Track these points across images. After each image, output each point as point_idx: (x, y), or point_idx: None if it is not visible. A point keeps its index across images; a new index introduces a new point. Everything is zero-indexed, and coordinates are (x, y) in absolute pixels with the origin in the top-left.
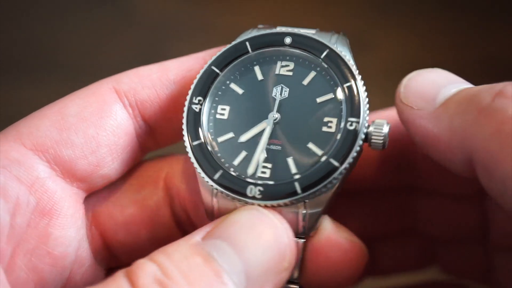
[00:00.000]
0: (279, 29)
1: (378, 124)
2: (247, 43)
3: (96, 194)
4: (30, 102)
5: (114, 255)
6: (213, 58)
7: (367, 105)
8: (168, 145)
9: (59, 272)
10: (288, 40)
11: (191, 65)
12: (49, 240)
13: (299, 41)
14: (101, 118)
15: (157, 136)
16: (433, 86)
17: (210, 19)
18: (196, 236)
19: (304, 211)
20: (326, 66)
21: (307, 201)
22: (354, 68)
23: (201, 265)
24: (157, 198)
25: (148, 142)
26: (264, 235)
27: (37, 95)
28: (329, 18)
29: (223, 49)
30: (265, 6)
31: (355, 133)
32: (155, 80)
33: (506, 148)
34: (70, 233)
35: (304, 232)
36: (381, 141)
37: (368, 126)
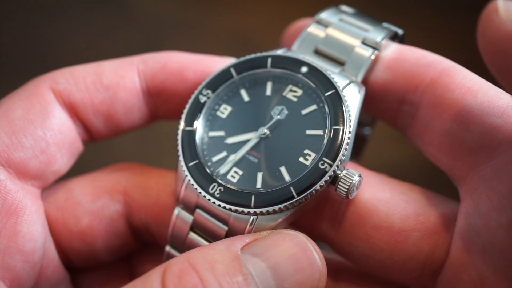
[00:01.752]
0: (302, 56)
1: (350, 172)
2: (269, 59)
3: (50, 200)
4: None
5: (70, 261)
6: (235, 62)
7: (345, 152)
8: (105, 140)
9: (31, 267)
10: (304, 69)
11: (125, 72)
12: (18, 237)
13: (313, 74)
14: (46, 118)
15: (92, 133)
16: None
17: (207, 19)
18: (236, 244)
19: (251, 225)
20: (326, 104)
21: (258, 216)
22: (348, 115)
23: (241, 284)
24: (112, 209)
25: (85, 137)
26: (303, 264)
27: None
28: None
29: (247, 57)
30: (264, 6)
31: (323, 172)
32: (89, 84)
33: None
34: (36, 228)
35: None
36: (346, 189)
37: (341, 171)
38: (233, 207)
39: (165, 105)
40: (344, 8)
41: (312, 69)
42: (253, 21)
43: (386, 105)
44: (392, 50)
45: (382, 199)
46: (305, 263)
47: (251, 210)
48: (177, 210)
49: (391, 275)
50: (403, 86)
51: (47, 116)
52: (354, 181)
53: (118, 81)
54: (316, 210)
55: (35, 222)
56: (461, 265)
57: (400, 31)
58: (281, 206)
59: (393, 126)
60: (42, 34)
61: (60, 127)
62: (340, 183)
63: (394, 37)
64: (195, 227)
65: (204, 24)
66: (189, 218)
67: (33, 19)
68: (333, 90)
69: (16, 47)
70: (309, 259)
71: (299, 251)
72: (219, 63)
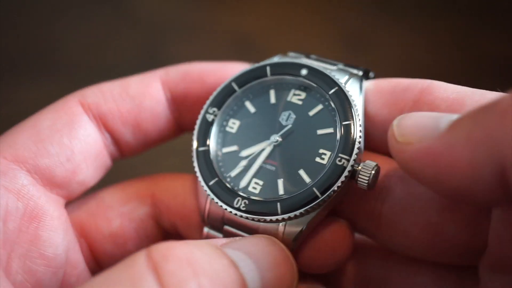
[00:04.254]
0: (300, 60)
1: (368, 165)
2: (268, 68)
3: (82, 207)
4: (30, 102)
5: (102, 267)
6: (236, 75)
7: (359, 145)
8: (133, 156)
9: (52, 272)
10: (304, 72)
11: (150, 82)
12: (40, 242)
13: (314, 75)
14: (72, 128)
15: (121, 146)
16: (430, 117)
17: (209, 20)
18: (215, 242)
19: (283, 231)
20: (332, 102)
21: (287, 223)
22: (355, 109)
23: (227, 267)
24: (143, 211)
25: (114, 151)
26: (280, 259)
27: (37, 95)
28: (330, 18)
29: (245, 69)
30: (265, 7)
31: (342, 168)
32: (116, 95)
33: None
34: (58, 234)
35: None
36: (366, 181)
37: (358, 164)
38: (261, 217)
39: (189, 113)
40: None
41: (312, 70)
42: (256, 23)
43: (380, 138)
44: (367, 87)
45: (415, 193)
46: (281, 258)
47: (279, 217)
48: (205, 230)
49: (433, 259)
50: (388, 115)
51: (73, 126)
52: (373, 172)
53: (143, 90)
54: (353, 209)
55: (57, 228)
56: (503, 243)
57: (360, 72)
58: (307, 208)
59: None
60: (42, 34)
61: (86, 137)
62: (360, 176)
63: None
64: None
65: (206, 26)
66: (219, 236)
67: (33, 19)
68: (336, 87)
69: (16, 47)
70: (284, 255)
71: (274, 247)
72: (236, 68)
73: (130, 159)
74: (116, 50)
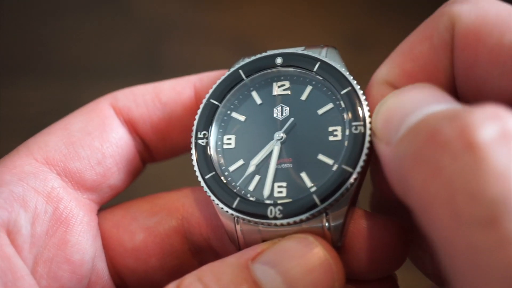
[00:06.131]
0: (269, 52)
1: None
2: (240, 71)
3: (108, 217)
4: (30, 102)
5: (124, 283)
6: (210, 91)
7: (368, 107)
8: (164, 160)
9: (78, 280)
10: (279, 60)
11: (182, 88)
12: (67, 247)
13: (290, 59)
14: (104, 131)
15: (152, 151)
16: (400, 113)
17: (209, 21)
18: (247, 256)
19: (327, 224)
20: (320, 78)
21: (328, 212)
22: (347, 74)
23: None
24: (168, 226)
25: (145, 156)
26: (313, 265)
27: (37, 95)
28: (330, 18)
29: (218, 81)
30: (264, 7)
31: (362, 136)
32: (148, 101)
33: (437, 204)
34: (86, 240)
35: (333, 244)
36: None
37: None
38: (303, 217)
39: None
40: None
41: (286, 55)
42: (256, 23)
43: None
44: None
45: None
46: (315, 263)
47: (321, 208)
48: None
49: None
50: None
51: (105, 129)
52: None
53: (175, 98)
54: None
55: (86, 234)
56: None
57: (330, 45)
58: (343, 189)
59: None
60: (42, 35)
61: (118, 141)
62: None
63: None
64: None
65: (206, 25)
66: None
67: (33, 19)
68: (319, 62)
69: (16, 47)
70: (320, 259)
71: (308, 252)
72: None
73: (170, 169)
74: (116, 49)
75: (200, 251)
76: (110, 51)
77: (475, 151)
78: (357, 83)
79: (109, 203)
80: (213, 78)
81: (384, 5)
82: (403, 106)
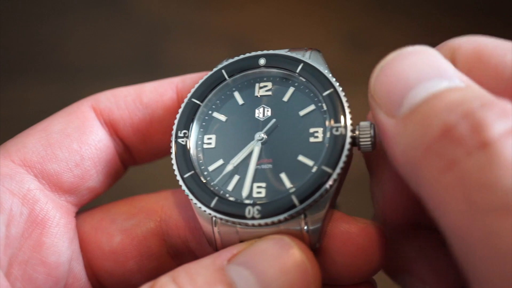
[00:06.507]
0: (253, 53)
1: (363, 126)
2: (223, 71)
3: (87, 219)
4: (30, 102)
5: (102, 285)
6: (192, 90)
7: (349, 109)
8: (146, 163)
9: (53, 281)
10: (262, 61)
11: (164, 90)
12: (42, 249)
13: (274, 60)
14: (83, 133)
15: (133, 153)
16: (403, 83)
17: (208, 20)
18: (223, 257)
19: (306, 227)
20: (303, 79)
21: (307, 213)
22: (330, 76)
23: None
24: (146, 228)
25: (126, 158)
26: (288, 266)
27: (37, 95)
28: (329, 18)
29: (200, 80)
30: (263, 7)
31: (342, 137)
32: (129, 102)
33: (451, 199)
34: (63, 242)
35: (311, 245)
36: (369, 143)
37: (354, 130)
38: (281, 217)
39: None
40: None
41: (270, 56)
42: (255, 23)
43: None
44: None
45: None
46: (291, 265)
47: (299, 209)
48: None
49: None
50: None
51: (84, 131)
52: (372, 131)
53: (157, 99)
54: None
55: (62, 236)
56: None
57: (312, 48)
58: (322, 190)
59: None
60: (43, 35)
61: (97, 143)
62: (361, 140)
63: None
64: None
65: (205, 24)
66: None
67: (33, 19)
68: (302, 64)
69: (17, 48)
70: (296, 260)
71: (284, 253)
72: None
73: (155, 171)
74: (116, 49)
75: (179, 253)
76: (109, 51)
77: (488, 147)
78: (340, 85)
79: (90, 206)
80: (195, 79)
81: (384, 5)
82: (405, 77)
